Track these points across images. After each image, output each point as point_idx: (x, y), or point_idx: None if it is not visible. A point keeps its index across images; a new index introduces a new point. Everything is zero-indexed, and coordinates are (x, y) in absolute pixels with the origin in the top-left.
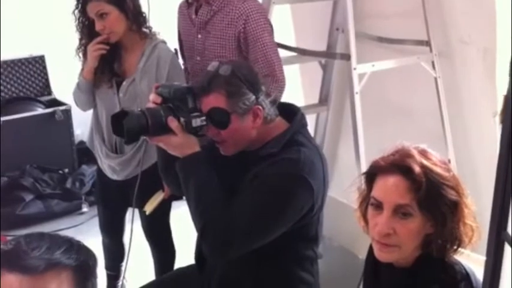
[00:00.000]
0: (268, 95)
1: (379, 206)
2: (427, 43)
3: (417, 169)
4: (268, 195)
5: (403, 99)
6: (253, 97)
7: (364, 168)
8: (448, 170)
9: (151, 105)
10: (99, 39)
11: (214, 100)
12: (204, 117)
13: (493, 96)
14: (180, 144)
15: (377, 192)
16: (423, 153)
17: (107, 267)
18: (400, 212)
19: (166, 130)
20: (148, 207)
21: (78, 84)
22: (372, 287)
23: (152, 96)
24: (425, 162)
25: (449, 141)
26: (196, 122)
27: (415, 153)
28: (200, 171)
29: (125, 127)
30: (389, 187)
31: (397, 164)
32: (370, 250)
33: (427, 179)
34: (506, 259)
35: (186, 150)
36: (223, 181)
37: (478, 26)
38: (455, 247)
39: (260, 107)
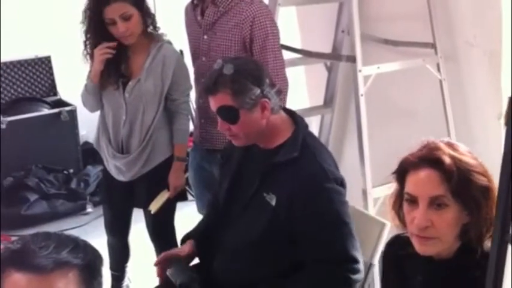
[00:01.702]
0: (273, 86)
1: (414, 201)
2: (433, 45)
3: (447, 160)
4: (331, 212)
5: (408, 102)
6: (259, 90)
7: (369, 169)
8: (475, 158)
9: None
10: (107, 44)
11: (221, 99)
12: None
13: (498, 98)
14: None
15: (410, 187)
16: (450, 144)
17: (112, 268)
18: (435, 203)
19: None
20: (154, 207)
21: (86, 86)
22: (399, 286)
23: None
24: (453, 152)
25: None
26: None
27: (442, 145)
28: None
29: None
30: (422, 180)
31: (427, 158)
32: (389, 249)
33: (458, 168)
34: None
35: None
36: (240, 187)
37: (483, 28)
38: (490, 233)
39: (267, 100)
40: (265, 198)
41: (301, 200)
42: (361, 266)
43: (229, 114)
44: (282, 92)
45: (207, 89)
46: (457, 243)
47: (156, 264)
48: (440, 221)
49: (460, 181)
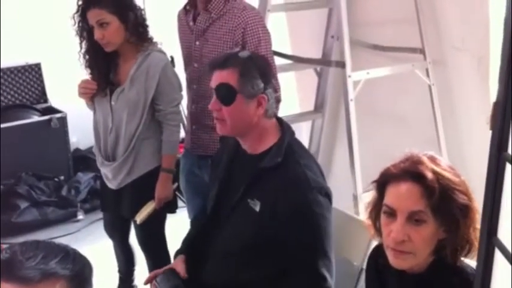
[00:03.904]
0: (276, 91)
1: (392, 214)
2: (421, 51)
3: (430, 175)
4: (309, 227)
5: (397, 107)
6: (262, 85)
7: (360, 174)
8: (458, 175)
9: None
10: (88, 82)
11: (227, 75)
12: None
13: (487, 103)
14: None
15: (390, 199)
16: (432, 159)
17: (119, 270)
18: (414, 218)
19: None
20: (139, 217)
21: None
22: None
23: None
24: (436, 168)
25: (443, 148)
26: None
27: (425, 159)
28: None
29: None
30: (402, 194)
31: (409, 171)
32: (372, 257)
33: (440, 185)
34: (496, 265)
35: None
36: (227, 193)
37: (472, 33)
38: (465, 251)
39: (265, 97)
40: (249, 204)
41: (283, 208)
42: (328, 284)
43: (227, 94)
44: (280, 102)
45: (216, 63)
46: (430, 258)
47: (146, 283)
48: (417, 236)
49: (441, 198)
